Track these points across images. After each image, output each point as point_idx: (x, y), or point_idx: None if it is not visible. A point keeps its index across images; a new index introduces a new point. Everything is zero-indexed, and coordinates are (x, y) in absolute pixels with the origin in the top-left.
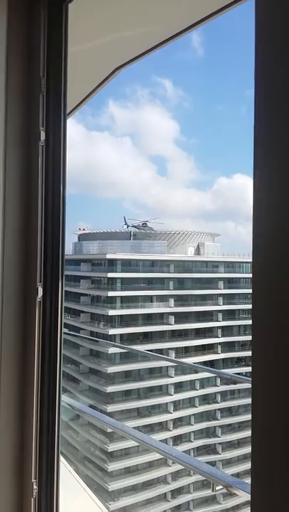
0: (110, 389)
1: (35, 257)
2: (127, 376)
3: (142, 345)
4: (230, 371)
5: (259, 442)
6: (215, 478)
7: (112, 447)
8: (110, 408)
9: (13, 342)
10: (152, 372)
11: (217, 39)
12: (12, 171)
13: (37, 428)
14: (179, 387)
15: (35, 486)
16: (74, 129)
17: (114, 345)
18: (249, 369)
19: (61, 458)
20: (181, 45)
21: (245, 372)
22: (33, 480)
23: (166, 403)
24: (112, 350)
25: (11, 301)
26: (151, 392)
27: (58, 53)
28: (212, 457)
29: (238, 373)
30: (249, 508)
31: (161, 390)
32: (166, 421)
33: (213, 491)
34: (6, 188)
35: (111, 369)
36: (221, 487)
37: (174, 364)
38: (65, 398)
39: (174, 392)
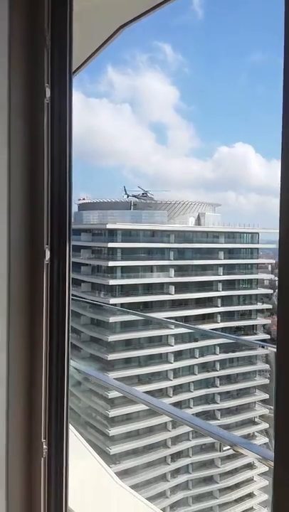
0: (111, 357)
1: (42, 219)
2: (128, 344)
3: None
4: (230, 340)
5: (284, 407)
6: (223, 438)
7: (112, 413)
8: (111, 375)
9: (21, 305)
10: (152, 341)
11: (217, 1)
12: (17, 129)
13: (46, 389)
14: (179, 355)
15: (44, 446)
16: (73, 95)
17: (130, 313)
18: (246, 338)
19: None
20: (180, 8)
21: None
22: (42, 440)
23: (166, 371)
24: (112, 319)
25: (19, 264)
26: (151, 360)
27: (63, 7)
28: (211, 423)
29: (237, 342)
30: (246, 471)
31: (161, 358)
32: (166, 388)
33: (220, 451)
34: (11, 147)
35: (112, 337)
36: (228, 447)
37: (174, 332)
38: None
39: (174, 361)
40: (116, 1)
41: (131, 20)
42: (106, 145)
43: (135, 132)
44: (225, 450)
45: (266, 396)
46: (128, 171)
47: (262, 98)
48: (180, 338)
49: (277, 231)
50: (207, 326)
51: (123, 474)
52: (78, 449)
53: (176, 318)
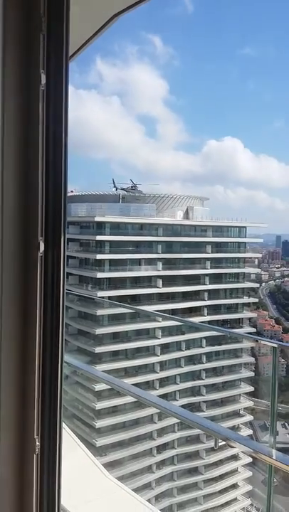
0: (99, 349)
1: (36, 210)
2: (115, 337)
3: None
4: (216, 333)
5: None
6: (214, 432)
7: (99, 405)
8: (98, 368)
9: (13, 299)
10: (140, 334)
11: None
12: (10, 117)
13: (39, 384)
14: (166, 348)
15: (37, 443)
16: None
17: (120, 306)
18: (233, 331)
19: None
20: (171, 0)
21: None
22: (35, 436)
23: (153, 363)
24: (100, 312)
25: (11, 257)
26: (138, 352)
27: None
28: (197, 414)
29: (223, 335)
30: (230, 462)
31: (148, 351)
32: (153, 380)
33: (216, 446)
34: (5, 136)
35: (99, 330)
36: (222, 442)
37: (161, 326)
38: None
39: (161, 353)
40: None
41: (126, 9)
42: (95, 137)
43: (124, 125)
44: (219, 445)
45: (251, 388)
46: (116, 164)
47: (252, 92)
48: (167, 331)
49: (264, 225)
50: (194, 319)
51: (108, 466)
52: (67, 442)
53: (163, 312)
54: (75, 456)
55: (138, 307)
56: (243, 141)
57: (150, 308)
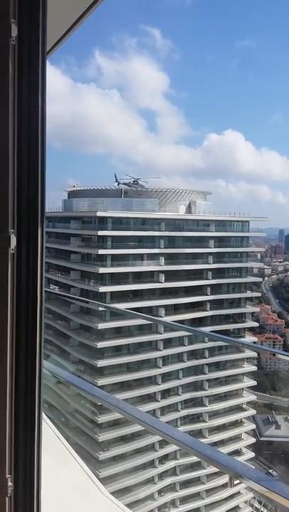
0: (101, 344)
1: (6, 196)
2: (117, 332)
3: (132, 303)
4: (219, 328)
5: None
6: (228, 468)
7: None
8: (100, 363)
9: None
10: (142, 329)
11: None
12: None
13: (11, 410)
14: (168, 342)
15: (10, 483)
16: (60, 80)
17: (98, 304)
18: (235, 326)
19: (49, 422)
20: None
21: (233, 329)
22: (7, 476)
23: (156, 358)
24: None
25: None
26: (141, 347)
27: None
28: (199, 409)
29: (226, 330)
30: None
31: (151, 346)
32: (155, 375)
33: (231, 486)
34: None
35: (102, 325)
36: (238, 482)
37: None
38: (49, 366)
39: (163, 348)
40: None
41: None
42: (96, 131)
43: (124, 119)
44: (236, 484)
45: (254, 383)
46: (117, 158)
47: (252, 85)
48: (169, 327)
49: (267, 219)
50: (196, 314)
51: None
52: (60, 454)
53: (165, 307)
54: (67, 471)
55: (138, 303)
56: (244, 134)
57: (152, 303)
